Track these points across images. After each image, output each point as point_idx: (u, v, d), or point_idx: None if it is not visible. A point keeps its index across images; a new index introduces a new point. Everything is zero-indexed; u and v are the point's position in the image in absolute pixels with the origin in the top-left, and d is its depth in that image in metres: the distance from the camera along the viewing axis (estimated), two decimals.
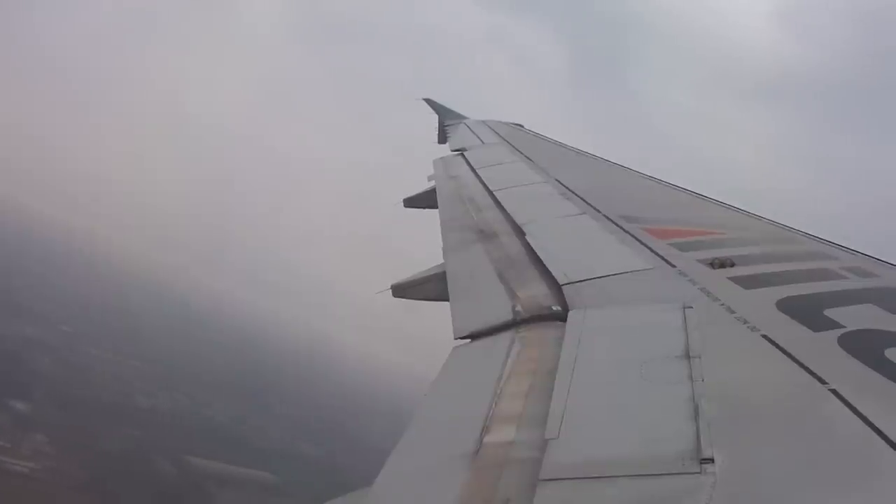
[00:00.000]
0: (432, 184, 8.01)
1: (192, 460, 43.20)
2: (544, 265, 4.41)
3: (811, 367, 2.69)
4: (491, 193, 6.76)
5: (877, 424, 2.24)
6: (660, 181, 7.12)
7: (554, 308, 3.74)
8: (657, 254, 4.43)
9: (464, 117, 13.07)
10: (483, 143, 10.20)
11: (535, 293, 4.03)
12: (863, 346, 2.89)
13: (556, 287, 4.02)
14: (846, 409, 2.36)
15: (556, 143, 10.15)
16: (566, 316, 3.59)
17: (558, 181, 6.93)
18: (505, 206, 6.12)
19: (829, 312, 3.26)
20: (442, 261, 5.15)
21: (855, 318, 3.20)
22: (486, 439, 2.55)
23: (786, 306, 3.37)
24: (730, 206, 5.89)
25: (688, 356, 2.88)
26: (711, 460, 2.12)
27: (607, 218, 5.43)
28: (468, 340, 3.67)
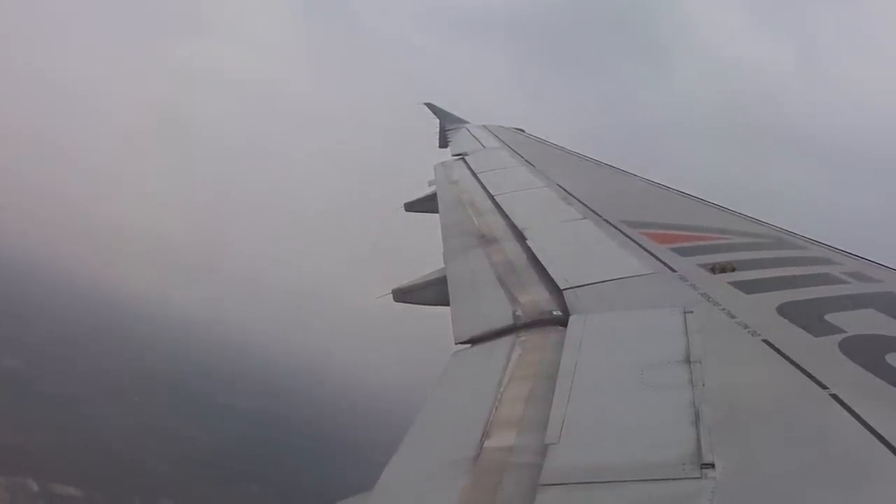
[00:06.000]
0: (433, 188, 8.03)
1: None
2: (545, 270, 4.41)
3: (812, 372, 2.68)
4: (492, 198, 6.77)
5: (878, 429, 2.23)
6: (661, 186, 7.11)
7: (555, 313, 3.74)
8: (658, 259, 4.43)
9: (465, 122, 13.12)
10: (484, 147, 10.21)
11: (536, 298, 4.03)
12: (864, 351, 2.88)
13: (556, 292, 4.02)
14: (847, 414, 2.36)
15: (557, 147, 10.16)
16: (567, 321, 3.59)
17: (559, 186, 6.94)
18: (506, 211, 6.13)
19: (830, 317, 3.26)
20: (443, 265, 5.16)
21: (856, 323, 3.20)
22: (487, 444, 2.54)
23: (787, 311, 3.37)
24: (731, 211, 5.89)
25: (688, 361, 2.88)
26: (712, 465, 2.12)
27: (608, 223, 5.43)
28: (468, 345, 3.67)
